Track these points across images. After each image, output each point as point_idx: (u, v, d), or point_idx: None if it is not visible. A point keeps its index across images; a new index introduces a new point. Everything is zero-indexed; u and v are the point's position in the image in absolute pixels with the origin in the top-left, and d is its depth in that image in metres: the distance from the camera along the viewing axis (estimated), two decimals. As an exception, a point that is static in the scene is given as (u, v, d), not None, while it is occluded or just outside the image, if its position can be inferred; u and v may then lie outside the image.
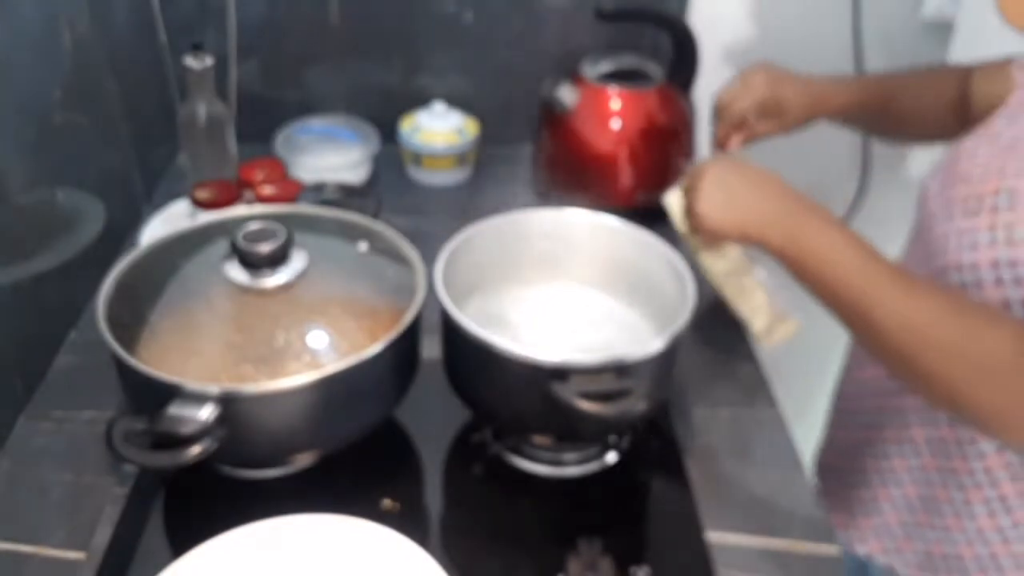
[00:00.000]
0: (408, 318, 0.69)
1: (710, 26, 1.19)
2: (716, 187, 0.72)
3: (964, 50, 1.13)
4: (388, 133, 1.18)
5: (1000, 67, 0.78)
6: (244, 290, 0.70)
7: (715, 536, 0.70)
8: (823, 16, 1.20)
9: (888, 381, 0.78)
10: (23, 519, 0.70)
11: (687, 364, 0.86)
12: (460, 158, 1.17)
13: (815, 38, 1.21)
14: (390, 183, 1.18)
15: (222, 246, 0.73)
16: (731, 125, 0.88)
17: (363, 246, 0.77)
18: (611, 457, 0.77)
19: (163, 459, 0.61)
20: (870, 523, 0.83)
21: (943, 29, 1.18)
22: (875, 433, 0.81)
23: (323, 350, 0.67)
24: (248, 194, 1.01)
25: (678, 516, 0.73)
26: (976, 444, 0.72)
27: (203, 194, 0.98)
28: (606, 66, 1.10)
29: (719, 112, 0.89)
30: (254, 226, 0.71)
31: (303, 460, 0.74)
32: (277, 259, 0.70)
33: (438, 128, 1.15)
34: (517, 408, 0.70)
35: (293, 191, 0.97)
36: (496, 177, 1.20)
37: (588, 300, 0.84)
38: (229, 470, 0.74)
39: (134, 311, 0.69)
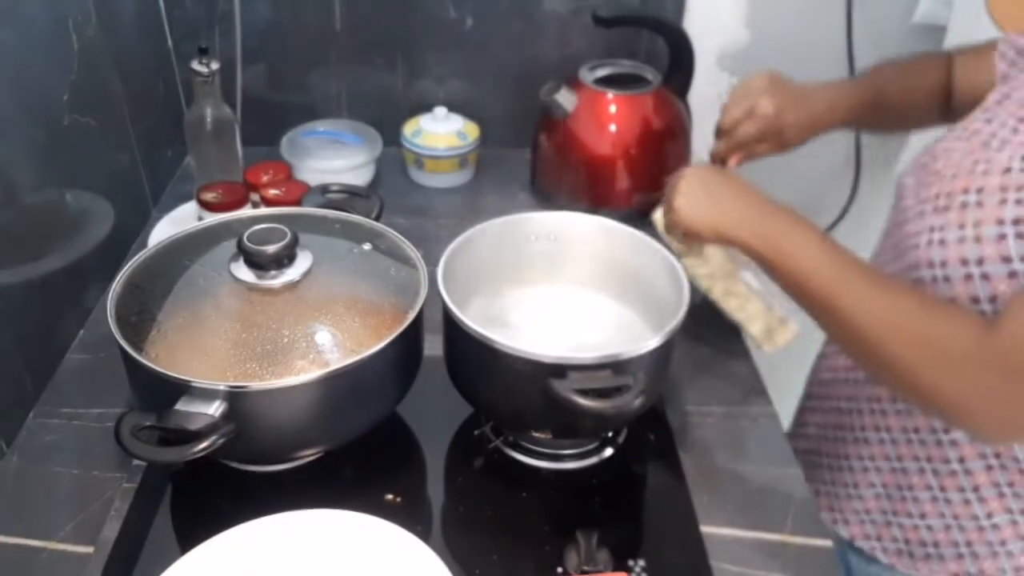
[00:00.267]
0: (411, 317, 0.70)
1: (705, 31, 1.20)
2: (694, 186, 0.76)
3: (956, 54, 1.14)
4: (391, 136, 1.19)
5: (983, 53, 0.79)
6: (250, 289, 0.71)
7: (709, 529, 0.71)
8: (816, 20, 1.21)
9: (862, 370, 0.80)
10: (32, 514, 0.71)
11: (682, 361, 0.88)
12: (461, 161, 1.18)
13: (808, 42, 1.22)
14: (393, 185, 1.19)
15: (229, 247, 0.74)
16: (732, 148, 0.89)
17: (366, 246, 0.78)
18: (608, 452, 0.79)
19: (171, 455, 0.62)
20: (851, 506, 0.84)
21: (935, 32, 1.19)
22: (852, 419, 0.83)
23: (328, 348, 0.68)
24: (254, 196, 1.02)
25: (674, 510, 0.74)
26: (950, 433, 0.74)
27: (210, 196, 0.99)
28: (604, 71, 1.11)
29: (720, 133, 0.90)
30: (260, 227, 0.72)
31: (308, 455, 0.75)
32: (283, 259, 0.71)
33: (440, 131, 1.17)
34: (517, 404, 0.71)
35: (298, 193, 0.98)
36: (496, 179, 1.21)
37: (586, 300, 0.85)
38: (236, 465, 0.75)
39: (143, 310, 0.70)
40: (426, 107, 1.20)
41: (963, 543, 0.76)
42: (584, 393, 0.63)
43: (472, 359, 0.72)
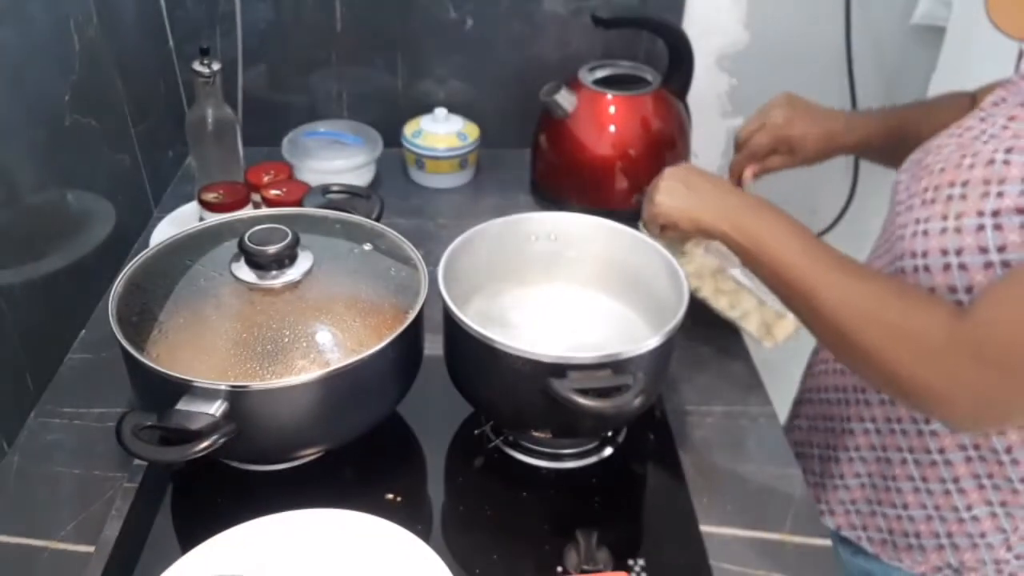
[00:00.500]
0: (411, 316, 0.71)
1: (705, 32, 1.21)
2: (674, 180, 0.78)
3: (954, 54, 1.15)
4: (391, 137, 1.20)
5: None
6: (251, 289, 0.71)
7: (709, 529, 0.72)
8: (815, 21, 1.22)
9: None
10: (34, 513, 0.71)
11: (682, 361, 0.88)
12: (461, 161, 1.18)
13: (808, 43, 1.22)
14: (393, 185, 1.20)
15: (230, 247, 0.74)
16: (746, 159, 0.92)
17: (367, 247, 0.78)
18: (608, 451, 0.79)
19: (172, 454, 0.62)
20: (837, 497, 0.85)
21: (934, 33, 1.20)
22: (840, 410, 0.84)
23: (329, 347, 0.68)
24: (255, 196, 1.02)
25: (673, 509, 0.74)
26: (931, 424, 0.74)
27: (211, 196, 0.99)
28: (603, 71, 1.11)
29: (738, 147, 0.93)
30: (261, 227, 0.72)
31: (309, 455, 0.75)
32: (284, 259, 0.71)
33: (440, 132, 1.17)
34: (517, 404, 0.71)
35: (299, 193, 0.99)
36: (496, 180, 1.21)
37: (586, 300, 0.86)
38: (236, 465, 0.75)
39: (144, 310, 0.70)
40: (426, 108, 1.20)
41: (944, 534, 0.77)
42: (584, 393, 0.64)
43: (472, 359, 0.72)
